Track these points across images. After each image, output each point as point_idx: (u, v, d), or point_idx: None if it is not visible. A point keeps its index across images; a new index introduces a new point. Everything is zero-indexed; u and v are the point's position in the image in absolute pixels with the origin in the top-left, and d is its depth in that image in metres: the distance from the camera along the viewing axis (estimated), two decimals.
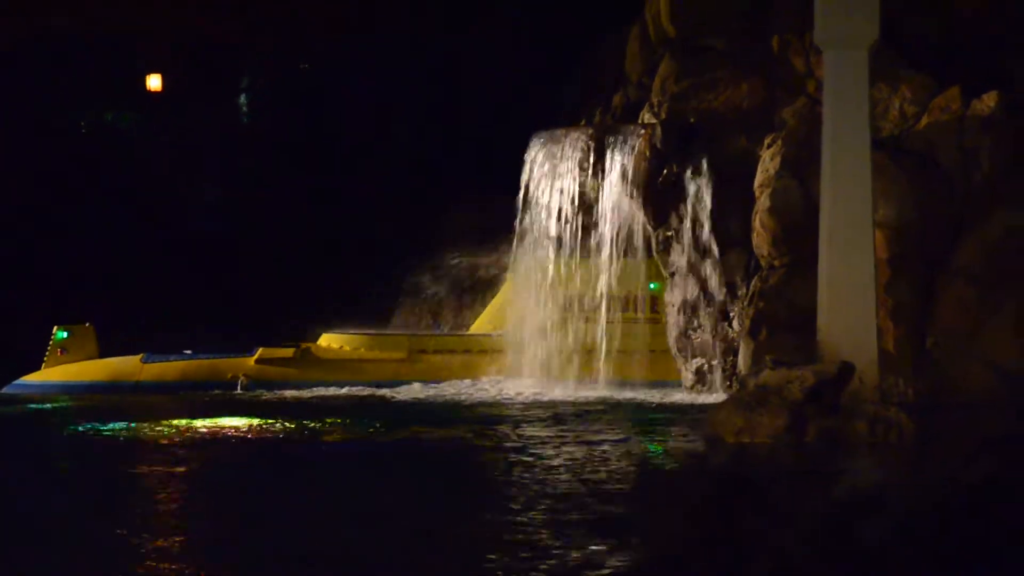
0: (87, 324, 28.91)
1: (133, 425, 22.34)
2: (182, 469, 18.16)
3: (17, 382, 28.18)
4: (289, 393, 27.42)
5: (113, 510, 15.00)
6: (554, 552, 11.92)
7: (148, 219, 35.61)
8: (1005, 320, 23.26)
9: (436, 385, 27.78)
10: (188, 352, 29.09)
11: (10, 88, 35.86)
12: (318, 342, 29.17)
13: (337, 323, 29.77)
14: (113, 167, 36.25)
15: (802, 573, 8.12)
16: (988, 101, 24.30)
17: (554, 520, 13.47)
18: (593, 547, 11.48)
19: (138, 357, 28.77)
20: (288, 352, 28.74)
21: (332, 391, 27.69)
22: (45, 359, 28.48)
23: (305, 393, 27.47)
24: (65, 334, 28.60)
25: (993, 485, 8.30)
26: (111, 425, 22.38)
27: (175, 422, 22.57)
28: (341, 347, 28.97)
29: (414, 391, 27.48)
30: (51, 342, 28.55)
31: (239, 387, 27.97)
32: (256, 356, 28.63)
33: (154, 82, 37.36)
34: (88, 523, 14.30)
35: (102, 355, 28.70)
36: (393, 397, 26.77)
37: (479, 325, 29.48)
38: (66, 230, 34.83)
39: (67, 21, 35.92)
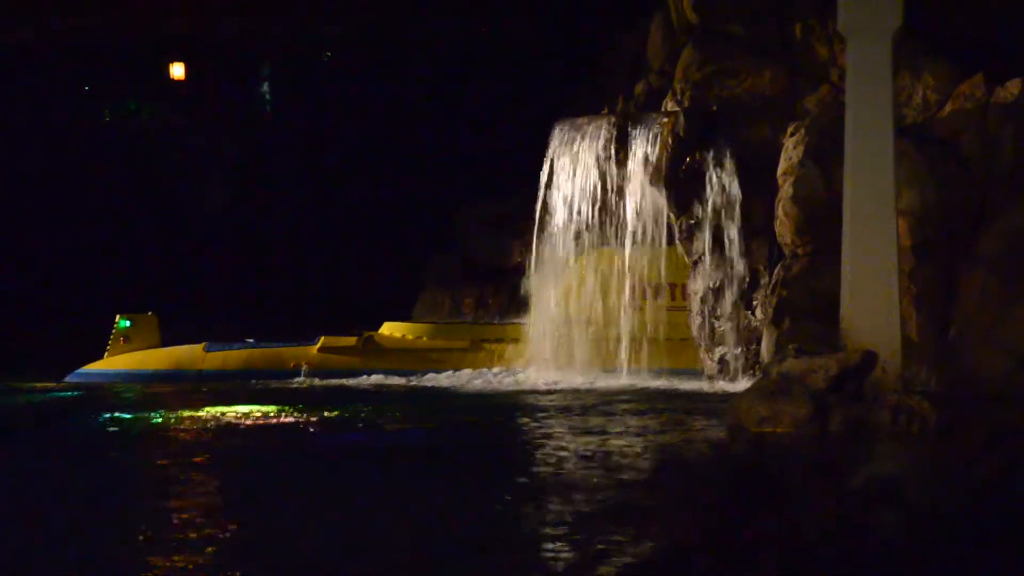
0: (150, 313, 29.05)
1: (192, 412, 22.42)
2: (221, 458, 18.24)
3: (80, 370, 28.39)
4: (325, 382, 27.49)
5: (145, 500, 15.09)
6: (571, 542, 11.94)
7: (196, 211, 35.89)
8: None
9: (457, 374, 27.85)
10: (250, 341, 29.24)
11: (38, 83, 36.10)
12: (380, 331, 29.16)
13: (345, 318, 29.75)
14: (149, 158, 36.49)
15: (816, 564, 8.14)
16: (1011, 88, 24.20)
17: (571, 510, 13.50)
18: (611, 537, 11.50)
19: (200, 346, 28.91)
20: (351, 341, 28.81)
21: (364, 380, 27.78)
22: (108, 348, 28.63)
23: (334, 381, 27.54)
24: (128, 323, 28.78)
25: (1008, 479, 8.30)
26: (171, 412, 22.45)
27: (233, 409, 22.63)
28: (403, 336, 28.99)
29: (433, 379, 27.61)
30: (114, 331, 28.70)
31: (301, 375, 28.03)
32: (319, 345, 28.69)
33: (177, 71, 37.46)
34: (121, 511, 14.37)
35: (164, 344, 28.82)
36: (388, 386, 26.81)
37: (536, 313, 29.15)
38: (123, 221, 35.15)
39: (92, 11, 36.05)
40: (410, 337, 28.96)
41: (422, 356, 28.51)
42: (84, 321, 30.82)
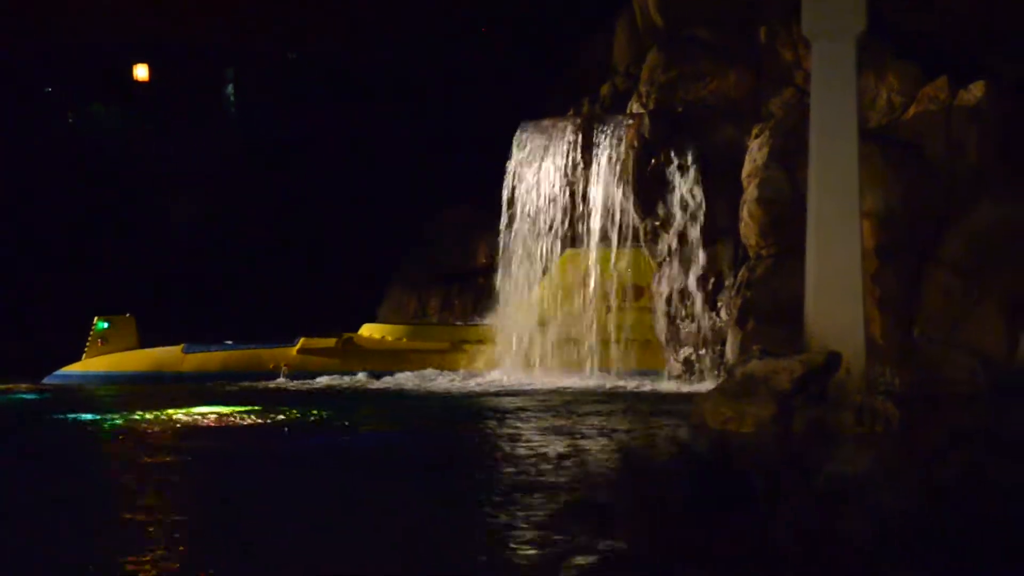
0: (128, 315, 28.84)
1: (160, 414, 22.29)
2: (189, 459, 18.17)
3: (58, 372, 28.15)
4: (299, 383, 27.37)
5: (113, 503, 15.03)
6: (537, 542, 11.95)
7: (164, 213, 35.73)
8: (989, 309, 23.33)
9: (421, 376, 27.76)
10: (229, 343, 29.08)
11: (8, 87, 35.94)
12: (359, 332, 29.05)
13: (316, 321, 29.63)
14: (114, 160, 36.31)
15: (779, 563, 8.17)
16: (975, 91, 24.33)
17: (537, 510, 13.50)
18: (576, 536, 11.50)
19: (179, 347, 28.71)
20: (330, 342, 28.65)
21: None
22: (86, 349, 28.41)
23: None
24: (106, 324, 28.56)
25: (969, 477, 8.37)
26: (140, 413, 22.35)
27: (206, 410, 22.53)
28: (383, 337, 28.87)
29: (398, 380, 27.53)
30: (92, 332, 28.47)
31: (281, 377, 27.90)
32: (298, 346, 28.55)
33: (141, 72, 37.29)
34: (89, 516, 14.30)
35: (143, 346, 28.62)
36: (350, 387, 26.76)
37: (518, 313, 28.83)
38: (91, 223, 34.96)
39: (55, 13, 35.88)
40: (390, 338, 28.86)
41: (402, 357, 28.40)
42: (62, 323, 30.62)
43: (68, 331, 29.45)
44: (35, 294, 33.51)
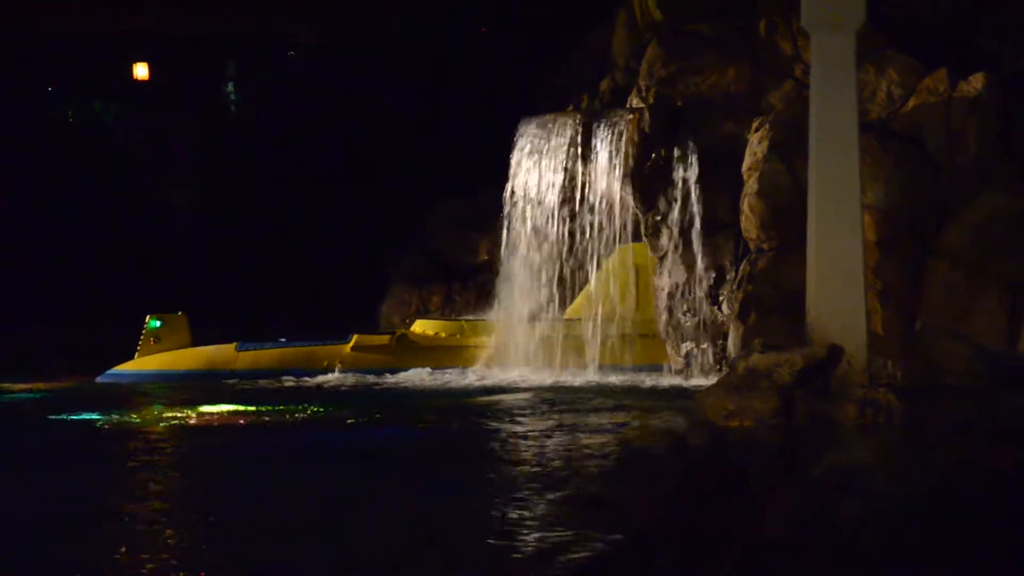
0: (180, 313, 28.75)
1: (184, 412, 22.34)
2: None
3: (111, 371, 28.03)
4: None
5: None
6: (537, 534, 11.97)
7: (165, 212, 35.66)
8: (990, 301, 23.33)
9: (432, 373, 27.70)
10: (283, 340, 29.01)
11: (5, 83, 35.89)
12: (412, 328, 29.01)
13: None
14: (117, 158, 36.27)
15: (776, 556, 8.18)
16: (975, 83, 24.31)
17: (538, 501, 13.53)
18: (577, 529, 11.53)
19: (232, 345, 28.62)
20: (384, 339, 28.58)
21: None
22: (138, 348, 28.36)
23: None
24: (158, 323, 28.45)
25: (968, 468, 8.38)
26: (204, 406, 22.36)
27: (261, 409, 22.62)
28: (436, 333, 28.80)
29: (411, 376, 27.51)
30: (144, 331, 28.40)
31: (336, 374, 27.85)
32: (352, 343, 28.46)
33: (141, 71, 37.31)
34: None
35: (195, 344, 28.56)
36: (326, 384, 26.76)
37: (574, 310, 28.60)
38: (152, 218, 34.93)
39: (54, 11, 35.89)
40: (443, 335, 28.79)
41: (456, 353, 28.30)
42: (112, 321, 30.48)
43: (121, 330, 29.30)
44: (83, 292, 33.32)
